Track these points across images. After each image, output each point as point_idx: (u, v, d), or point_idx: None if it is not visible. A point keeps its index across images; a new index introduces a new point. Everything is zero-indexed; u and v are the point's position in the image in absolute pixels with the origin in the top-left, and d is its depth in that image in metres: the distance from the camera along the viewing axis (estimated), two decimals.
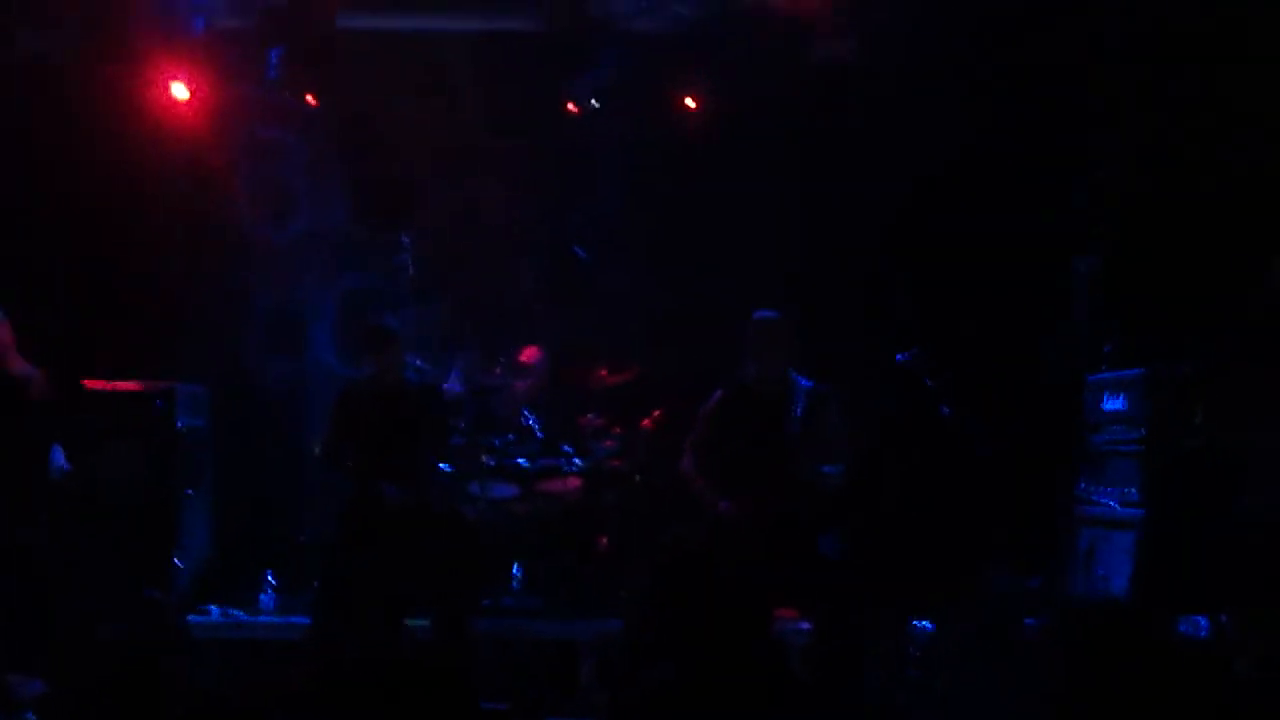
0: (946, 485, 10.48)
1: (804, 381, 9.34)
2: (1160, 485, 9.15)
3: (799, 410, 9.23)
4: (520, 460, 10.81)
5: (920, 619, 9.42)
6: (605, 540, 10.81)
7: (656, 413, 10.98)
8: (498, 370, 11.25)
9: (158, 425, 10.73)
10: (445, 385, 10.61)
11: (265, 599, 10.71)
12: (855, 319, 11.15)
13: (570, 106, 12.04)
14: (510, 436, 10.90)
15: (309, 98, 11.98)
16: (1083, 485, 9.80)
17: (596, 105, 11.99)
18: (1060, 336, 10.48)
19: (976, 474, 9.87)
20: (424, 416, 10.00)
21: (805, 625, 9.11)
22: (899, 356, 9.39)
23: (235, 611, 10.61)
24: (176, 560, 10.58)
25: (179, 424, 10.81)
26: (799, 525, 9.12)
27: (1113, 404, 9.61)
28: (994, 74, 11.10)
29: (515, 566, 10.59)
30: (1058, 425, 10.15)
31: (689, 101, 11.82)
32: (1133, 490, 9.30)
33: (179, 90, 11.61)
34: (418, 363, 10.78)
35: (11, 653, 8.41)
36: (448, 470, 10.67)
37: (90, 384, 10.70)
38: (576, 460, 10.85)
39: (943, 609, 9.35)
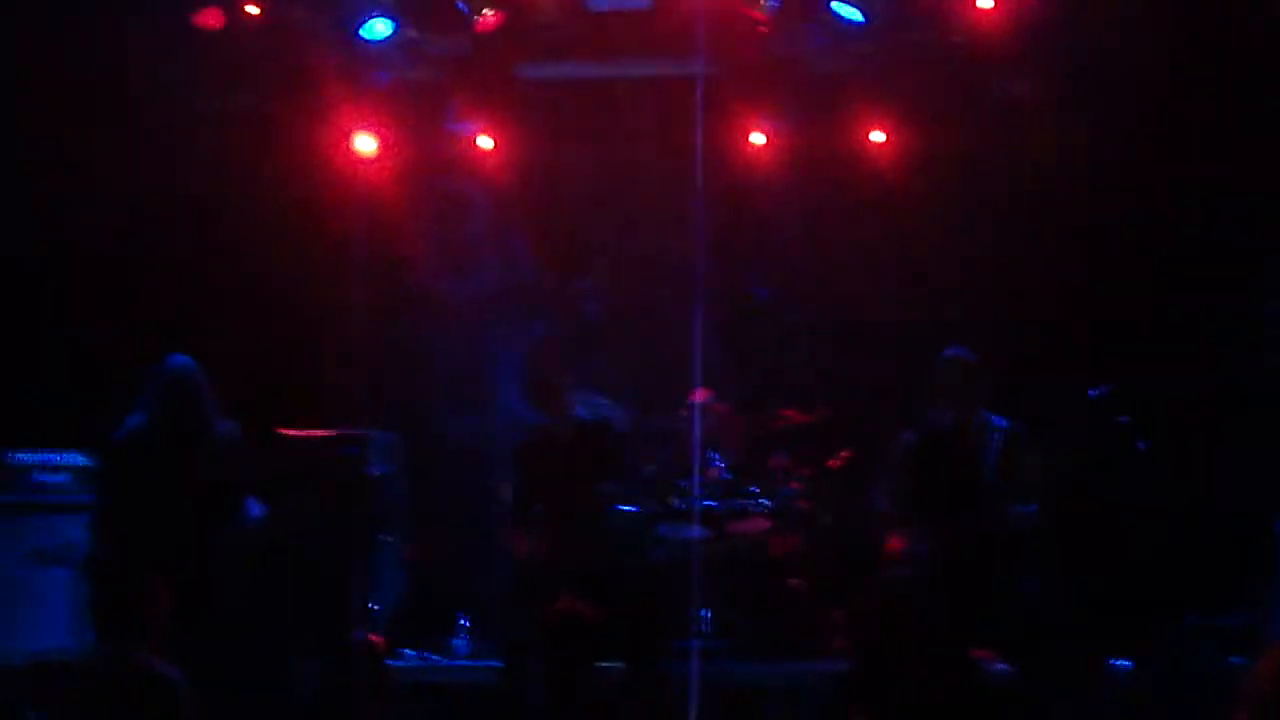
0: (1145, 521, 10.30)
1: (998, 420, 9.26)
2: None
3: (994, 450, 9.16)
4: (708, 502, 10.80)
5: (1119, 658, 9.29)
6: (795, 583, 10.76)
7: (845, 453, 10.93)
8: (683, 413, 11.26)
9: (351, 471, 10.87)
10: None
11: (459, 643, 10.81)
12: (1045, 356, 11.01)
13: (748, 143, 12.04)
14: (697, 479, 10.90)
15: (490, 147, 12.12)
16: None
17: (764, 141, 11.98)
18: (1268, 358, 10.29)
19: (1175, 508, 9.70)
20: (599, 447, 10.11)
21: (1004, 666, 9.00)
22: (1091, 392, 9.27)
23: (431, 656, 10.73)
24: (373, 604, 10.70)
25: (372, 470, 10.94)
26: (996, 566, 9.04)
27: None
28: (1178, 97, 10.92)
29: (704, 610, 10.56)
30: (1261, 456, 9.95)
31: (874, 137, 11.75)
32: None
33: (364, 143, 11.80)
34: (597, 400, 10.87)
35: (211, 702, 8.53)
36: (635, 512, 10.71)
37: (284, 431, 10.88)
38: (764, 501, 10.82)
39: (1142, 648, 9.21)
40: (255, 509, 9.58)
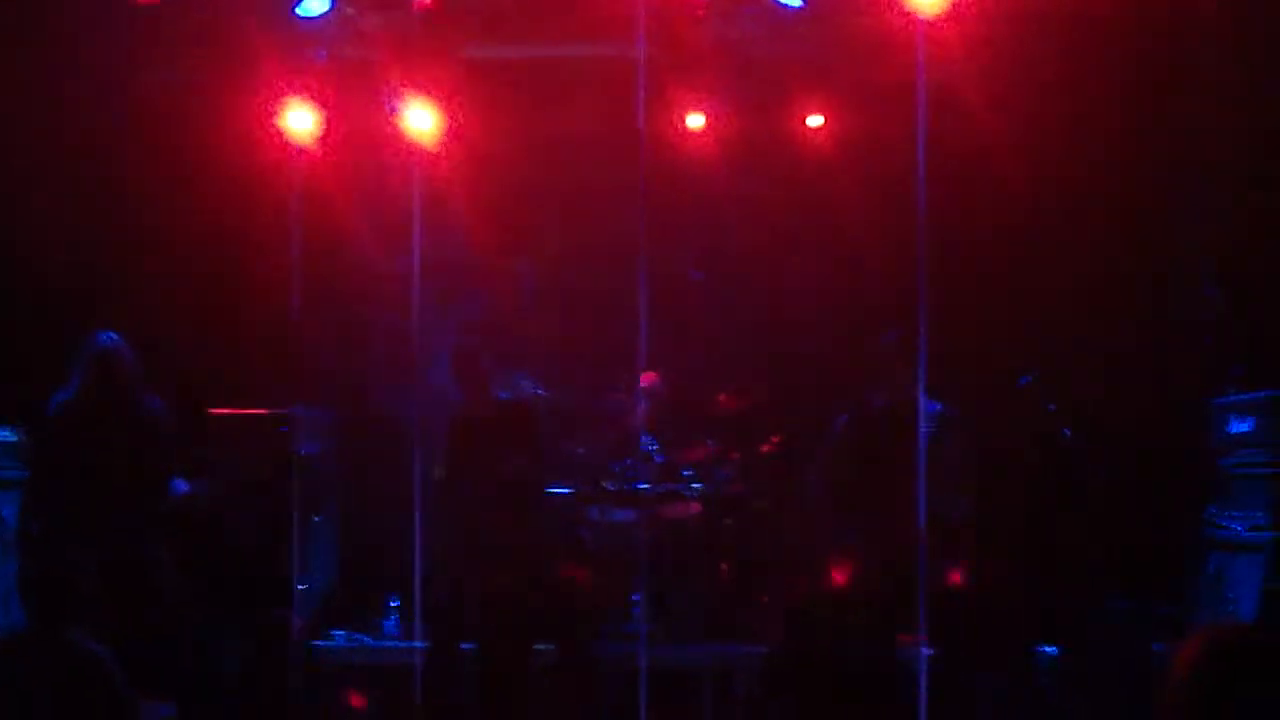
0: (1070, 510, 10.36)
1: (931, 404, 9.32)
2: None
3: (927, 432, 9.21)
4: (640, 485, 10.81)
5: (1045, 645, 9.35)
6: (726, 566, 10.79)
7: (777, 438, 10.95)
8: (615, 396, 11.27)
9: (280, 450, 10.83)
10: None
11: (388, 624, 10.79)
12: (975, 341, 11.05)
13: (686, 126, 12.04)
14: (629, 462, 10.92)
15: (426, 125, 12.07)
16: (1210, 509, 9.67)
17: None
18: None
19: (1101, 498, 9.77)
20: (517, 431, 10.13)
21: (928, 651, 9.05)
22: (1021, 380, 9.32)
23: (360, 636, 10.71)
24: (301, 585, 10.66)
25: (301, 449, 10.90)
26: (925, 550, 9.08)
27: (1240, 427, 9.48)
28: (1115, 90, 10.99)
29: (635, 593, 10.58)
30: (1184, 448, 10.04)
31: (810, 121, 11.75)
32: (1260, 514, 9.17)
33: (300, 119, 11.72)
34: (523, 381, 10.88)
35: (140, 678, 8.48)
36: (566, 493, 10.73)
37: (213, 410, 10.83)
38: (696, 485, 10.84)
39: (1068, 635, 9.28)
40: (182, 486, 9.52)
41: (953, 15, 10.76)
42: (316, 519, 10.97)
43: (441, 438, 10.70)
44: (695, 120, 12.00)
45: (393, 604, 10.80)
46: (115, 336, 9.23)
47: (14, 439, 10.28)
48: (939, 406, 9.26)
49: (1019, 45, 11.12)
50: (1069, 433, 9.30)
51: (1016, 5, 10.67)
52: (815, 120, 11.78)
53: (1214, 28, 10.39)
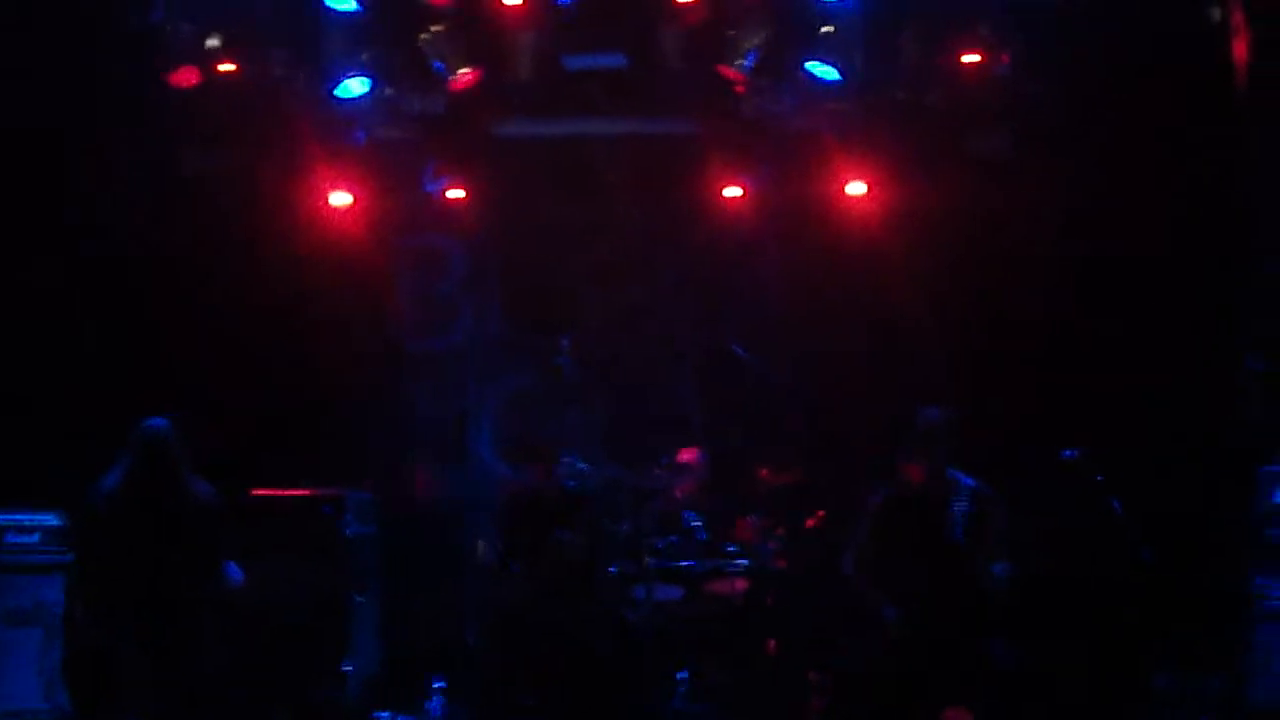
0: (1117, 583, 10.26)
1: (966, 480, 9.26)
2: None
3: (963, 509, 9.15)
4: (684, 562, 10.75)
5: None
6: (772, 642, 10.71)
7: (820, 513, 10.89)
8: (659, 472, 11.22)
9: (326, 532, 10.82)
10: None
11: (433, 705, 10.75)
12: (1019, 415, 10.98)
13: (724, 199, 12.05)
14: (673, 539, 10.86)
15: (463, 202, 12.12)
16: (1258, 580, 9.56)
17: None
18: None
19: (1148, 571, 9.66)
20: (578, 523, 10.18)
21: None
22: (1065, 453, 9.23)
23: (405, 718, 10.68)
24: (346, 666, 10.64)
25: (347, 531, 10.89)
26: (967, 627, 9.02)
27: None
28: (1151, 167, 10.95)
29: (681, 671, 10.50)
30: (1232, 519, 9.94)
31: (851, 189, 11.76)
32: None
33: (339, 199, 11.80)
34: (579, 465, 10.88)
35: None
36: (613, 572, 10.69)
37: (258, 492, 10.83)
38: (741, 562, 10.77)
39: (1116, 710, 9.17)
40: (235, 573, 9.42)
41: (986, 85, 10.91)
42: (360, 599, 10.94)
43: (491, 516, 10.74)
44: (733, 191, 12.02)
45: (437, 685, 10.76)
46: (164, 422, 9.20)
47: (59, 523, 10.33)
48: (975, 482, 9.20)
49: (1052, 107, 11.15)
50: (1118, 506, 9.17)
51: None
52: (856, 188, 11.75)
53: None
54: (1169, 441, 10.77)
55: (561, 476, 10.61)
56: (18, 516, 10.38)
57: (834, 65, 11.00)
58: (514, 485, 10.69)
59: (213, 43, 10.96)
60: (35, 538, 10.36)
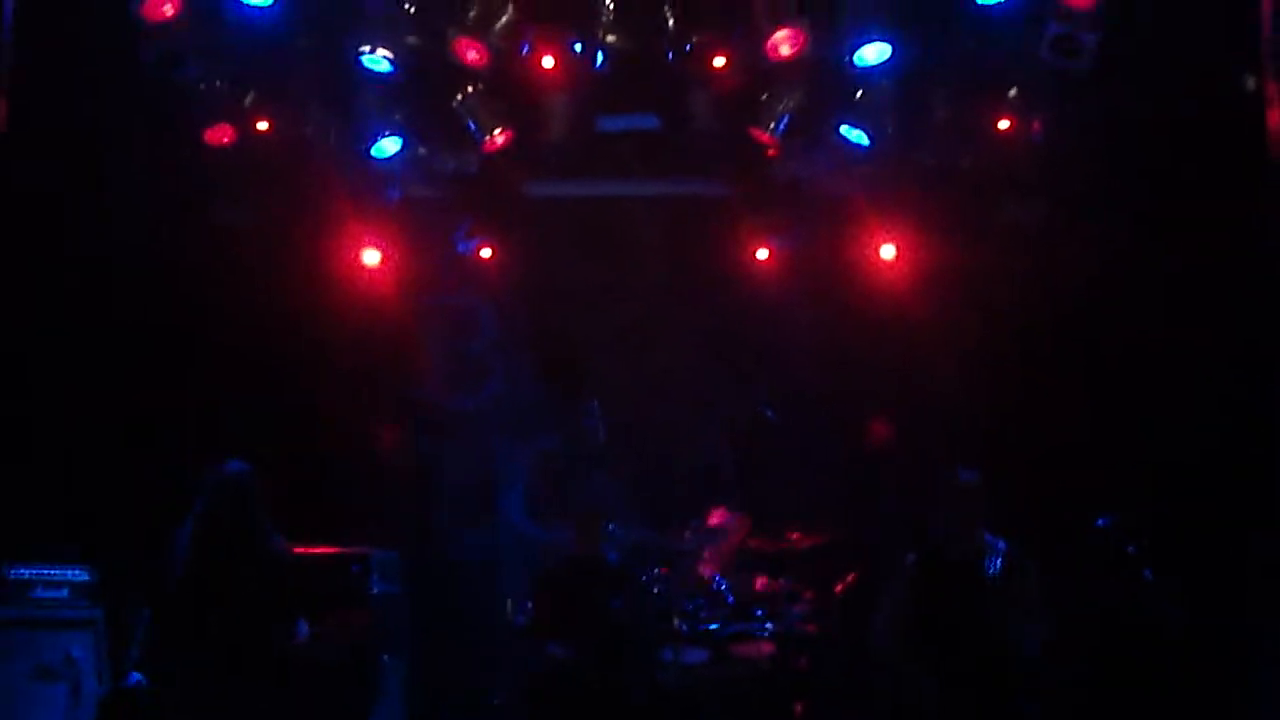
0: (1148, 649, 10.20)
1: (1000, 543, 9.23)
2: None
3: (996, 572, 9.12)
4: (712, 625, 10.71)
5: None
6: (800, 707, 10.65)
7: (850, 576, 10.84)
8: (688, 535, 11.19)
9: (354, 591, 10.79)
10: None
11: None
12: (1051, 480, 10.95)
13: (755, 261, 12.06)
14: (701, 601, 10.82)
15: (495, 262, 12.15)
16: None
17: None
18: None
19: (1178, 638, 9.62)
20: (616, 596, 10.18)
21: None
22: (1099, 521, 9.20)
23: None
24: None
25: (374, 589, 10.86)
26: (1003, 691, 8.97)
27: None
28: (1184, 235, 10.94)
29: None
30: (1263, 586, 9.89)
31: (883, 252, 11.76)
32: None
33: (370, 257, 11.83)
34: (610, 527, 10.87)
35: None
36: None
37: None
38: (769, 625, 10.72)
39: None
40: (304, 628, 9.26)
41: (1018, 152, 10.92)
42: (386, 659, 10.90)
43: (524, 579, 10.74)
44: (763, 253, 12.04)
45: None
46: (244, 466, 8.98)
47: (88, 578, 10.31)
48: (1007, 545, 9.17)
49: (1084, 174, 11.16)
50: (1150, 575, 9.12)
51: None
52: (887, 251, 11.76)
53: None
54: (1202, 508, 10.72)
55: (604, 545, 10.59)
56: (47, 571, 10.35)
57: (866, 130, 11.03)
58: (555, 551, 10.67)
59: (249, 100, 11.03)
60: (64, 593, 10.33)
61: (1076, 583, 10.30)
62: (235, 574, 8.59)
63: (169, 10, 10.10)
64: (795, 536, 11.01)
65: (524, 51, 10.78)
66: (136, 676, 9.00)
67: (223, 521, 8.64)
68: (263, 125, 11.12)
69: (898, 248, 11.73)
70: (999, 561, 9.19)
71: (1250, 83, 10.64)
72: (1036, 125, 11.02)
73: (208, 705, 8.40)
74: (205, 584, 8.57)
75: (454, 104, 11.06)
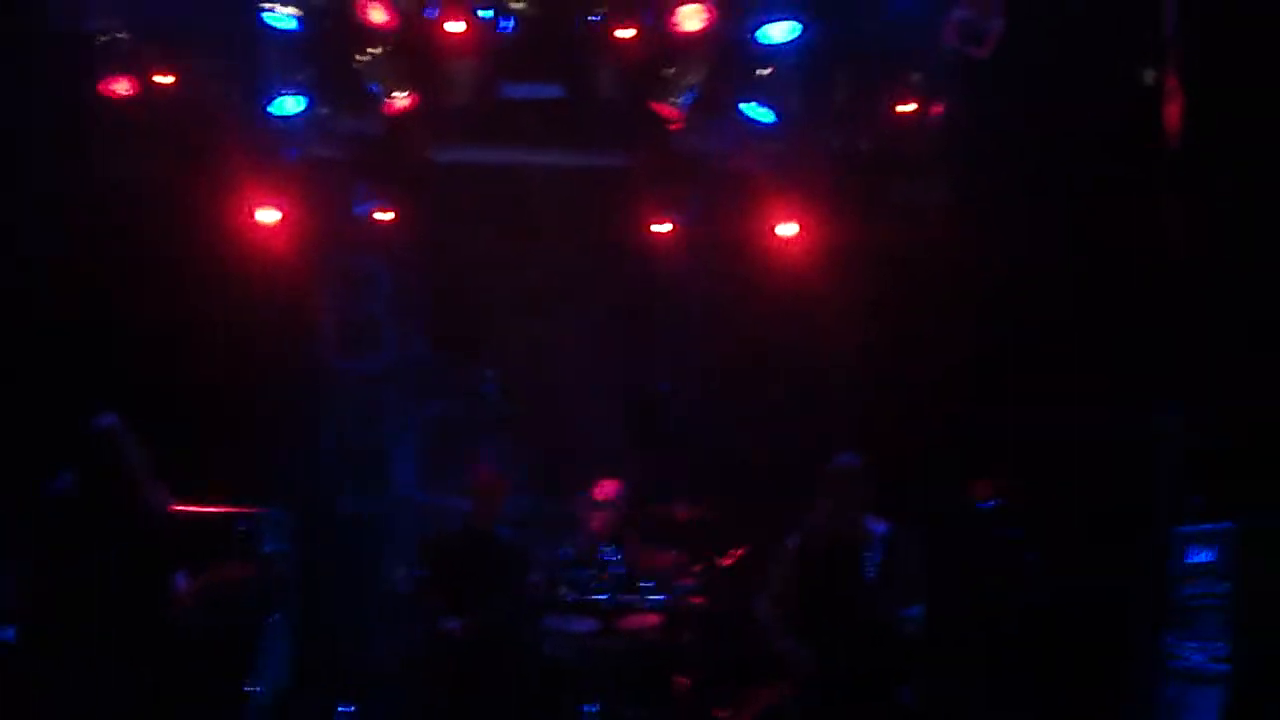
0: (1028, 634, 10.34)
1: (879, 526, 9.33)
2: (1248, 640, 9.01)
3: (876, 554, 9.21)
4: (599, 596, 10.75)
5: None
6: (684, 680, 10.72)
7: (737, 550, 10.91)
8: (578, 503, 11.22)
9: (242, 550, 10.72)
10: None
11: None
12: (938, 460, 11.05)
13: (653, 234, 12.09)
14: (590, 571, 10.85)
15: (393, 225, 12.09)
16: (1169, 639, 9.65)
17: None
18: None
19: (1059, 623, 9.77)
20: (508, 574, 10.24)
21: None
22: (981, 505, 9.31)
23: None
24: (255, 687, 10.54)
25: (265, 548, 10.79)
26: (878, 673, 9.07)
27: (1199, 557, 9.46)
28: (1081, 221, 11.07)
29: (592, 704, 10.49)
30: (1144, 577, 10.03)
31: (780, 230, 11.80)
32: (1220, 645, 9.15)
33: (267, 215, 11.71)
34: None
35: None
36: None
37: (174, 506, 10.71)
38: (656, 597, 10.77)
39: None
40: (182, 582, 9.12)
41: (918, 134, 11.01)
42: (272, 619, 10.86)
43: (414, 544, 10.72)
44: (661, 227, 12.06)
45: (342, 710, 10.69)
46: (114, 419, 8.76)
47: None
48: (886, 526, 9.27)
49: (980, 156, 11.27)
50: (1031, 558, 9.26)
51: None
52: (785, 229, 11.81)
53: None
54: (1087, 495, 10.86)
55: (499, 515, 10.58)
56: None
57: (769, 107, 11.08)
58: (445, 518, 10.63)
59: (148, 52, 10.90)
60: None
61: (959, 565, 10.45)
62: (107, 526, 8.45)
63: None
64: (683, 509, 11.07)
65: (431, 15, 10.75)
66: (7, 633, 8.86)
67: (93, 475, 8.52)
68: (164, 79, 11.00)
69: (797, 225, 11.76)
70: (879, 544, 9.28)
71: (1150, 76, 10.79)
72: (937, 109, 11.12)
73: (82, 661, 8.31)
74: (77, 537, 8.44)
75: (358, 65, 11.00)
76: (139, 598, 8.48)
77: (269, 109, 11.13)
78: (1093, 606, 9.87)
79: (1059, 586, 9.40)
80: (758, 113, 11.09)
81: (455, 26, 10.76)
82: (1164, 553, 9.65)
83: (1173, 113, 10.33)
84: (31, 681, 8.24)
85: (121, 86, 10.93)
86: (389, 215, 12.06)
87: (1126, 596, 10.23)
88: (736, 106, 11.13)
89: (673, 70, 10.98)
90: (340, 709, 10.69)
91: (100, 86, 10.88)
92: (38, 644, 8.42)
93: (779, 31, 10.69)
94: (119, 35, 10.62)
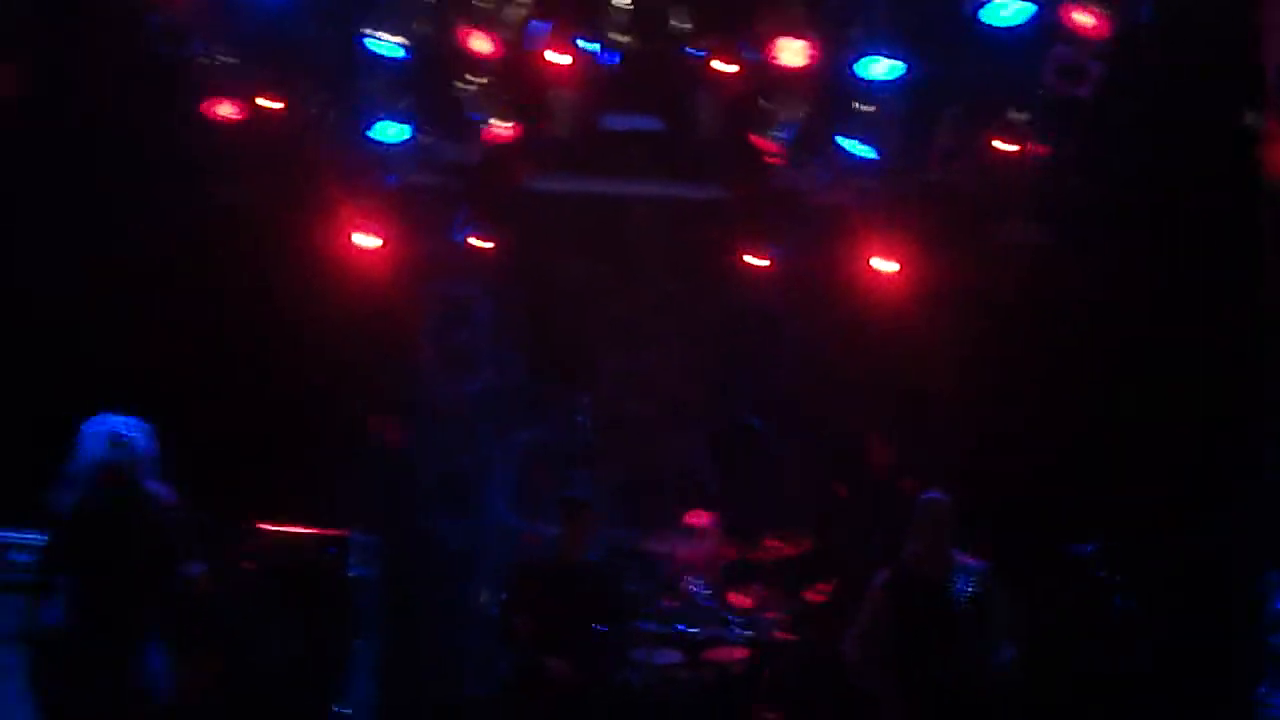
0: (1118, 680, 10.22)
1: (972, 562, 9.27)
2: None
3: (967, 591, 9.16)
4: (686, 628, 10.72)
5: None
6: (772, 715, 10.67)
7: (826, 585, 10.86)
8: (666, 535, 11.22)
9: (330, 572, 10.78)
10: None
11: None
12: (1037, 502, 10.95)
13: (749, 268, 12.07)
14: (677, 603, 10.84)
15: (491, 253, 12.14)
16: (1263, 688, 9.49)
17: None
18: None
19: (1150, 671, 9.64)
20: (602, 600, 10.20)
21: None
22: (1078, 548, 9.23)
23: None
24: (342, 709, 10.60)
25: (350, 572, 10.86)
26: (968, 712, 9.00)
27: None
28: (1182, 265, 10.97)
29: None
30: (1237, 624, 9.90)
31: (876, 265, 11.76)
32: None
33: (366, 240, 11.79)
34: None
35: None
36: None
37: (263, 525, 10.80)
38: (742, 630, 10.73)
39: None
40: (196, 568, 9.17)
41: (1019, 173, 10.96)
42: (359, 643, 10.91)
43: (502, 569, 10.74)
44: (761, 262, 12.04)
45: None
46: (117, 422, 8.90)
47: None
48: (979, 564, 9.21)
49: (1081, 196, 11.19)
50: (1123, 603, 9.14)
51: None
52: (882, 265, 11.76)
53: None
54: (1182, 541, 10.74)
55: (590, 545, 10.56)
56: (21, 535, 10.30)
57: (870, 144, 11.05)
58: (535, 544, 10.63)
59: (253, 76, 11.03)
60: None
61: (1051, 607, 10.36)
62: (117, 521, 8.66)
63: None
64: (773, 544, 11.03)
65: (534, 45, 10.82)
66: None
67: (101, 473, 8.70)
68: (269, 103, 11.10)
69: (894, 263, 11.72)
70: (969, 581, 9.22)
71: (1252, 118, 10.69)
72: (1040, 150, 11.04)
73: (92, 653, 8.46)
74: (88, 532, 8.65)
75: (459, 93, 11.08)
76: (149, 582, 8.62)
77: (370, 135, 11.24)
78: (1188, 654, 9.73)
79: (1154, 632, 9.26)
80: (857, 149, 11.06)
81: (559, 57, 10.83)
82: (1259, 600, 9.52)
83: (1274, 154, 10.23)
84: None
85: (226, 110, 11.05)
86: (488, 243, 12.12)
87: (1222, 644, 10.12)
88: (836, 142, 11.11)
89: (772, 104, 10.98)
90: None
91: (204, 109, 11.02)
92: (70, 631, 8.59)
93: (881, 69, 10.66)
94: (223, 59, 10.74)
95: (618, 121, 11.59)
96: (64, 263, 11.24)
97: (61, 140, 10.98)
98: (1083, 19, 10.03)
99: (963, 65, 10.81)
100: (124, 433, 8.82)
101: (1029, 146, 11.02)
